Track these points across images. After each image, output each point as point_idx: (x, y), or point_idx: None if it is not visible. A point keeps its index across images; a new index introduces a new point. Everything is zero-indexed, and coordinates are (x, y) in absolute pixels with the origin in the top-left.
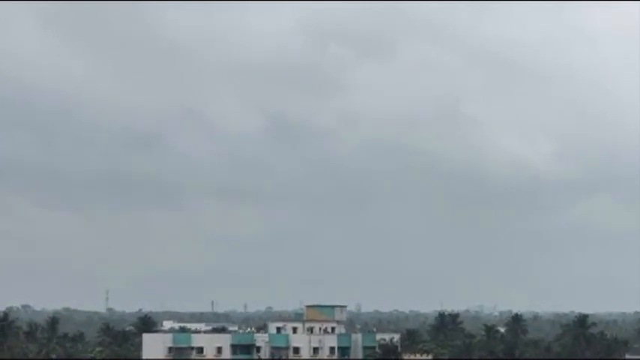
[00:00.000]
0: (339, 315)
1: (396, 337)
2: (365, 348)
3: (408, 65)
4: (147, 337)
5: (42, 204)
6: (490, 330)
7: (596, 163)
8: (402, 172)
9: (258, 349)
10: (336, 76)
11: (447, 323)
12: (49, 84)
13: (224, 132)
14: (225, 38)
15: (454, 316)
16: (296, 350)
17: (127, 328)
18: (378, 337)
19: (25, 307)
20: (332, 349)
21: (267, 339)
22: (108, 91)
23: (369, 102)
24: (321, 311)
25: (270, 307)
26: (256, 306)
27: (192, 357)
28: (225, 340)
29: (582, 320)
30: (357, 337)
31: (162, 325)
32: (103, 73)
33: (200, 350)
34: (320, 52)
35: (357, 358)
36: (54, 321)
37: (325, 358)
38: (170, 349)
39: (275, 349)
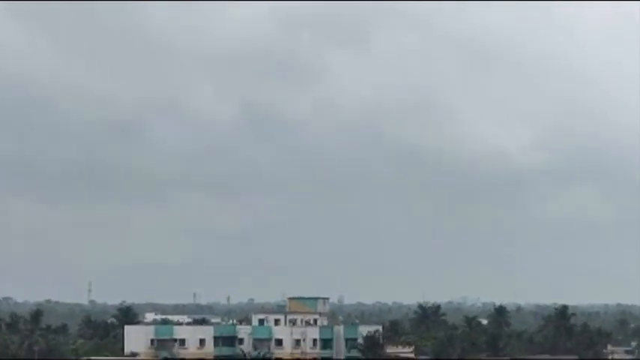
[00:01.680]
0: (321, 307)
1: (379, 329)
2: (347, 340)
3: (383, 53)
4: (129, 329)
5: (18, 195)
6: (471, 322)
7: (577, 153)
8: (379, 162)
9: (241, 341)
10: (311, 65)
11: (429, 315)
12: (22, 73)
13: (200, 121)
14: (200, 27)
15: (436, 308)
16: (278, 342)
17: (109, 320)
18: (361, 329)
19: (6, 299)
20: (314, 341)
21: (249, 331)
22: (83, 80)
23: (344, 90)
24: (304, 303)
25: (252, 299)
26: (239, 298)
27: (175, 349)
28: (207, 332)
29: (563, 312)
30: (340, 329)
31: (144, 317)
32: (77, 62)
33: (182, 342)
34: (294, 39)
35: (339, 350)
36: (37, 313)
37: (307, 350)
38: (152, 340)
39: (257, 340)
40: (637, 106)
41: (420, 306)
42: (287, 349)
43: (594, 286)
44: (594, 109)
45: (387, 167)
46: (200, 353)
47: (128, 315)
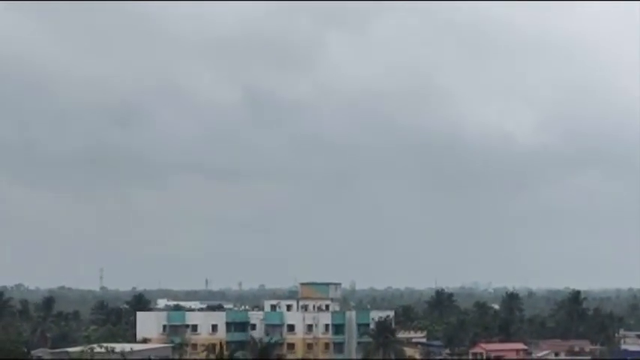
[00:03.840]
0: (333, 292)
1: (391, 314)
2: (359, 325)
3: (384, 37)
4: (141, 315)
5: (23, 182)
6: (482, 307)
7: (583, 135)
8: (384, 146)
9: (253, 326)
10: (309, 49)
11: (442, 300)
12: (22, 59)
13: (201, 107)
14: (200, 13)
15: (449, 294)
16: (290, 328)
17: (122, 307)
18: (373, 314)
19: (18, 286)
20: (326, 326)
21: (261, 317)
22: (84, 66)
23: (343, 74)
24: (316, 289)
25: (263, 285)
26: (250, 284)
27: (187, 335)
28: (219, 318)
29: (575, 297)
30: (352, 315)
31: (156, 304)
32: (78, 49)
33: (195, 328)
34: (293, 24)
35: (351, 335)
36: (49, 300)
37: (319, 335)
38: (165, 327)
39: (269, 326)
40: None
41: (436, 291)
42: (299, 334)
43: (606, 270)
44: (598, 92)
45: (393, 152)
46: (212, 339)
47: (140, 301)
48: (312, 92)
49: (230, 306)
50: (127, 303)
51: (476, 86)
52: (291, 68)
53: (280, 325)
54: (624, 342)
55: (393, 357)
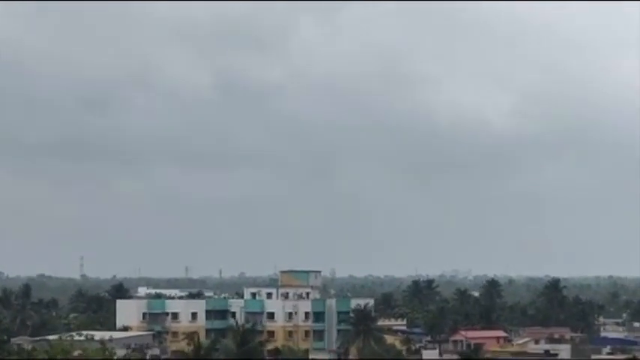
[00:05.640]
0: (313, 280)
1: (371, 302)
2: (339, 313)
3: (356, 20)
4: (121, 303)
5: (1, 170)
6: (463, 294)
7: (559, 120)
8: (360, 130)
9: (233, 314)
10: (282, 31)
11: (422, 288)
12: None
13: (176, 92)
14: None
15: (429, 282)
16: (270, 315)
17: (102, 294)
18: (353, 302)
19: None
20: (306, 314)
21: (241, 304)
22: (59, 53)
23: (316, 57)
24: (296, 277)
25: (243, 273)
26: (230, 272)
27: (167, 323)
28: (199, 306)
29: (555, 284)
30: (332, 303)
31: (137, 292)
32: (53, 36)
33: (175, 316)
34: (265, 7)
35: (331, 322)
36: (27, 287)
37: (300, 323)
38: (145, 314)
39: (250, 314)
40: (617, 70)
41: (415, 280)
42: (279, 322)
43: (586, 258)
44: (575, 75)
45: (370, 136)
46: (192, 327)
47: (120, 289)
48: (287, 76)
49: (210, 294)
50: (107, 291)
51: (451, 70)
52: (264, 52)
53: (260, 313)
54: (604, 329)
55: (373, 345)
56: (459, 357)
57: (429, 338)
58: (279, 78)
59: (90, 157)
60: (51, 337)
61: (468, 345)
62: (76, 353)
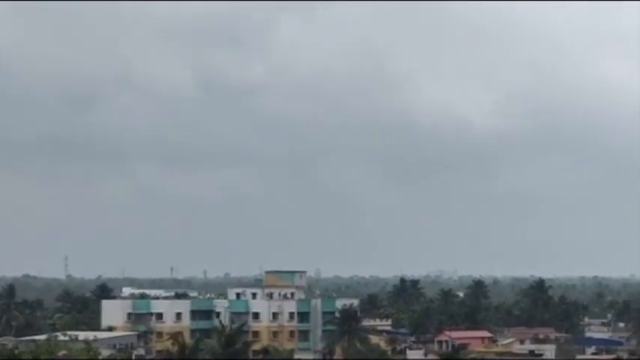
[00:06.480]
0: (298, 280)
1: (356, 302)
2: (324, 313)
3: (336, 20)
4: (106, 304)
5: None
6: (447, 295)
7: (542, 119)
8: (342, 130)
9: (218, 314)
10: (264, 31)
11: (406, 288)
12: None
13: (158, 91)
14: None
15: (414, 282)
16: (255, 316)
17: (87, 295)
18: (338, 302)
19: None
20: (291, 314)
21: (226, 305)
22: (38, 52)
23: (296, 56)
24: (281, 277)
25: (228, 273)
26: (215, 272)
27: (152, 323)
28: (184, 306)
29: (540, 284)
30: (317, 303)
31: (121, 292)
32: (38, 35)
33: (159, 316)
34: (243, 6)
35: (316, 323)
36: (12, 288)
37: (285, 323)
38: (129, 315)
39: (235, 314)
40: (600, 69)
41: (400, 279)
42: (264, 322)
43: (571, 258)
44: (558, 74)
45: (352, 135)
46: (177, 327)
47: (105, 290)
48: (267, 75)
49: (195, 294)
50: (92, 292)
51: (435, 69)
52: (246, 50)
53: (245, 313)
54: (589, 330)
55: (358, 345)
56: (440, 358)
57: (413, 338)
58: (261, 77)
59: (74, 156)
60: (36, 338)
61: (453, 345)
62: (60, 353)
